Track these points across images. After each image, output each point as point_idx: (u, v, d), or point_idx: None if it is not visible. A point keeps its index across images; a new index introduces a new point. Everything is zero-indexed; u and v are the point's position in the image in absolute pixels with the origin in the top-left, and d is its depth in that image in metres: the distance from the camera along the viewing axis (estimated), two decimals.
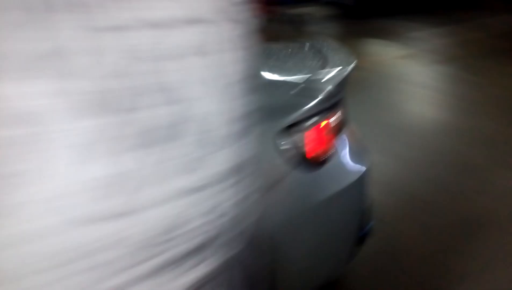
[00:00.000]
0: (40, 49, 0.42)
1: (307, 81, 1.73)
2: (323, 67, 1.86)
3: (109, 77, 0.46)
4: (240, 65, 0.60)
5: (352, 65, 1.90)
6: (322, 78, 1.75)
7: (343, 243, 1.78)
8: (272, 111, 1.55)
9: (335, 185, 1.66)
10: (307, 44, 2.32)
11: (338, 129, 1.73)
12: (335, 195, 1.65)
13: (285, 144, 1.53)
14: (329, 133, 1.66)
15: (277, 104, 1.60)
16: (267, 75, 1.82)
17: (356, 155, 1.79)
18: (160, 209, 0.52)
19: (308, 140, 1.58)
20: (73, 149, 0.45)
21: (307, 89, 1.67)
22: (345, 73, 1.83)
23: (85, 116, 0.45)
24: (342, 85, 1.78)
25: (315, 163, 1.60)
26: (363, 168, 1.77)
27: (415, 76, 5.72)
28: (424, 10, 10.94)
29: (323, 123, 1.63)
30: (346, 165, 1.72)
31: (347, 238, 1.78)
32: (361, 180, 1.75)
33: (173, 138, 0.51)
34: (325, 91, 1.66)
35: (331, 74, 1.79)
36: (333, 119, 1.69)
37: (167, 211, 0.52)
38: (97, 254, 0.49)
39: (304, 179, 1.57)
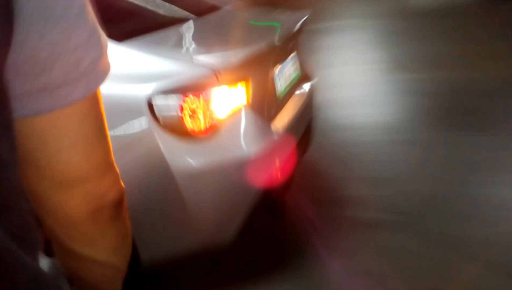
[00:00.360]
0: None
1: (211, 52, 1.76)
2: (244, 43, 1.86)
3: None
4: None
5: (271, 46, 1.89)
6: (231, 54, 1.76)
7: (216, 217, 1.78)
8: (156, 74, 1.61)
9: (211, 159, 1.67)
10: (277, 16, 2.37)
11: (236, 107, 1.74)
12: (210, 168, 1.66)
13: (161, 109, 1.59)
14: (217, 107, 1.68)
15: (163, 68, 1.64)
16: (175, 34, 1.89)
17: (252, 137, 1.77)
18: None
19: (188, 109, 1.61)
20: None
21: (203, 60, 1.68)
22: (256, 54, 1.81)
23: None
24: (250, 65, 1.78)
25: (191, 132, 1.64)
26: (255, 150, 1.74)
27: None
28: None
29: (207, 96, 1.65)
30: (231, 142, 1.72)
31: (224, 214, 1.78)
32: (251, 160, 1.73)
33: None
34: (219, 66, 1.66)
35: (243, 52, 1.79)
36: (224, 95, 1.70)
37: None
38: None
39: (175, 146, 1.62)
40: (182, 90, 1.60)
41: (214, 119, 1.68)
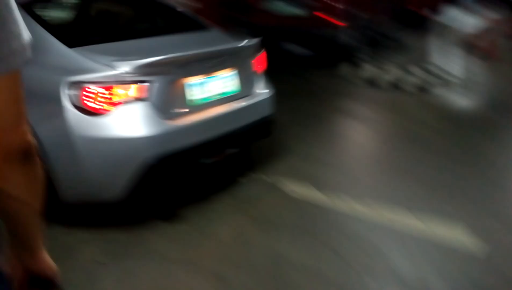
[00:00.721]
0: None
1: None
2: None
3: None
4: None
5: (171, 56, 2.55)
6: (139, 63, 2.41)
7: (104, 176, 2.43)
8: (77, 70, 2.38)
9: (103, 132, 2.36)
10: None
11: (130, 99, 2.40)
12: (100, 138, 2.37)
13: (70, 92, 2.34)
14: (112, 96, 2.36)
15: (84, 67, 2.40)
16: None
17: (138, 122, 2.41)
18: None
19: (86, 95, 2.34)
20: None
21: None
22: (158, 65, 2.46)
23: None
24: (150, 72, 2.43)
25: (90, 111, 2.35)
26: (143, 132, 2.41)
27: None
28: None
29: (107, 89, 2.36)
30: (121, 123, 2.38)
31: (111, 176, 2.43)
32: (141, 139, 2.41)
33: None
34: (124, 70, 2.37)
35: (148, 63, 2.43)
36: (122, 90, 2.38)
37: None
38: None
39: (78, 120, 2.35)
40: (88, 82, 2.34)
41: (111, 105, 2.37)
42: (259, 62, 3.19)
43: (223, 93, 2.86)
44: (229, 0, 8.81)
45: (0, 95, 0.68)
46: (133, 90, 2.40)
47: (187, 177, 3.02)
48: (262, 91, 3.16)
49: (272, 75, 6.62)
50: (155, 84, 2.45)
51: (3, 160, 0.70)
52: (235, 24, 8.27)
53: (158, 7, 3.64)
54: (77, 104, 2.34)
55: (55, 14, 3.12)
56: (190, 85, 2.65)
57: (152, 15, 3.60)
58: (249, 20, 7.50)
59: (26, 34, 0.70)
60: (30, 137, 0.73)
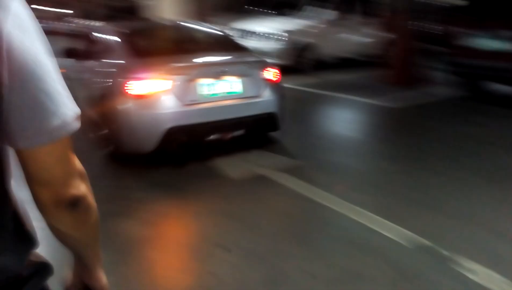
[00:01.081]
0: None
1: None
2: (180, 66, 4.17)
3: None
4: None
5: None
6: (166, 67, 4.06)
7: (141, 136, 3.95)
8: (131, 69, 3.97)
9: (141, 108, 3.88)
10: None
11: (160, 89, 3.90)
12: (139, 112, 3.89)
13: (124, 83, 3.91)
14: (149, 87, 3.86)
15: (135, 67, 3.98)
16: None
17: (163, 103, 3.90)
18: None
19: (132, 86, 3.87)
20: None
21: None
22: (176, 70, 4.10)
23: None
24: (171, 73, 3.97)
25: (136, 96, 3.87)
26: (165, 110, 3.90)
27: None
28: None
29: (143, 82, 3.89)
30: (153, 103, 3.88)
31: (145, 136, 3.94)
32: (163, 114, 3.91)
33: None
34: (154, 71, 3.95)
35: (171, 67, 4.08)
36: (153, 83, 3.91)
37: None
38: None
39: (128, 101, 3.91)
40: (135, 78, 3.89)
41: (146, 92, 3.86)
42: (268, 74, 4.45)
43: (229, 92, 4.20)
44: (426, 33, 8.05)
45: (49, 158, 0.76)
46: (161, 84, 3.89)
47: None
48: (266, 94, 4.40)
49: (464, 115, 6.10)
50: (176, 81, 3.90)
51: (54, 207, 0.80)
52: (430, 58, 7.69)
53: (212, 35, 5.25)
54: (127, 91, 3.87)
55: (139, 39, 4.70)
56: (202, 84, 4.05)
57: (204, 40, 5.19)
58: (448, 54, 6.99)
59: (68, 109, 0.76)
60: (80, 189, 0.82)
